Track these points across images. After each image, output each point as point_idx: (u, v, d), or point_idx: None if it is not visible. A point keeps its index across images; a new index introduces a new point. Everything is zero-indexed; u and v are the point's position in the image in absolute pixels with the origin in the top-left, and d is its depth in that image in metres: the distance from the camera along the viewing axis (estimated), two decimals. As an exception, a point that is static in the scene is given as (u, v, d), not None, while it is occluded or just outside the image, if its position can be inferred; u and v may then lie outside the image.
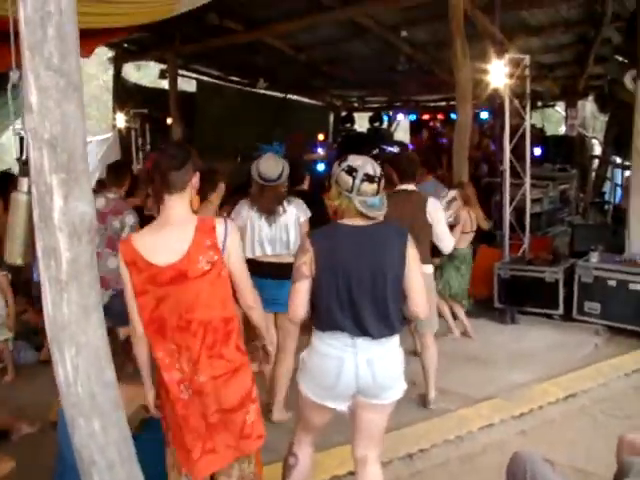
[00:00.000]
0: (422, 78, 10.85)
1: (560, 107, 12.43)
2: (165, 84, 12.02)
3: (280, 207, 4.05)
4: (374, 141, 12.42)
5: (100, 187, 5.84)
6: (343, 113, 14.07)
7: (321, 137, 13.02)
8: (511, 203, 7.31)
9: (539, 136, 9.61)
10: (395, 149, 11.55)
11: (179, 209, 2.32)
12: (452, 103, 10.30)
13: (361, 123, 13.88)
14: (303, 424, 2.83)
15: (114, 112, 11.75)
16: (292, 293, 2.59)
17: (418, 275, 2.62)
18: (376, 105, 14.09)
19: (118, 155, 12.18)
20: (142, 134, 11.51)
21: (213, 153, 10.72)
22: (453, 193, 4.76)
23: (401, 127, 14.08)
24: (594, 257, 6.33)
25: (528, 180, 7.30)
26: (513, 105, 7.13)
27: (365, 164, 2.55)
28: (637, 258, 6.17)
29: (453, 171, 7.67)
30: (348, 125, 13.57)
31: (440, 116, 11.92)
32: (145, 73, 14.67)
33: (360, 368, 2.55)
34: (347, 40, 9.92)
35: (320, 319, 2.60)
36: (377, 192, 2.55)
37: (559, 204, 8.47)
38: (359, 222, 2.58)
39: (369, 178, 2.52)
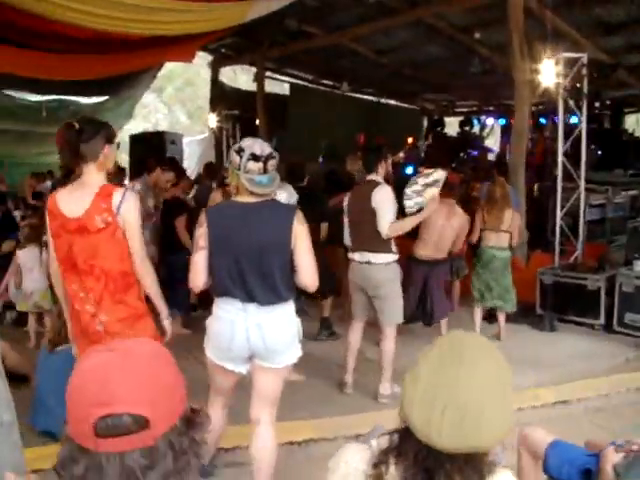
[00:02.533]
0: (506, 81, 10.58)
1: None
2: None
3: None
4: (462, 145, 12.31)
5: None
6: (436, 117, 14.02)
7: (410, 140, 13.04)
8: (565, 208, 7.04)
9: (617, 140, 9.08)
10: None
11: (90, 175, 2.78)
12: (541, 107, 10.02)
13: (454, 127, 13.73)
14: (212, 386, 3.08)
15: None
16: (191, 264, 2.86)
17: (306, 250, 2.79)
18: (467, 109, 13.90)
19: (212, 154, 13.04)
20: (233, 134, 12.18)
21: (305, 153, 11.22)
22: (438, 175, 4.52)
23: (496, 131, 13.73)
24: (638, 265, 5.98)
25: (582, 184, 6.99)
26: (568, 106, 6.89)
27: (253, 144, 2.77)
28: (684, 269, 5.76)
29: (509, 175, 7.53)
30: (439, 129, 13.48)
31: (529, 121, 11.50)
32: (248, 77, 15.41)
33: (250, 331, 2.78)
34: (423, 43, 9.98)
35: (215, 286, 2.86)
36: (264, 171, 2.75)
37: (630, 211, 7.95)
38: (249, 199, 2.80)
39: (255, 157, 2.73)
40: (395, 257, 4.42)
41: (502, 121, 12.41)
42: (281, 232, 2.75)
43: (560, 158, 6.92)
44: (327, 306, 6.01)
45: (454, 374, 1.32)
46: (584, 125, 6.93)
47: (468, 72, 10.08)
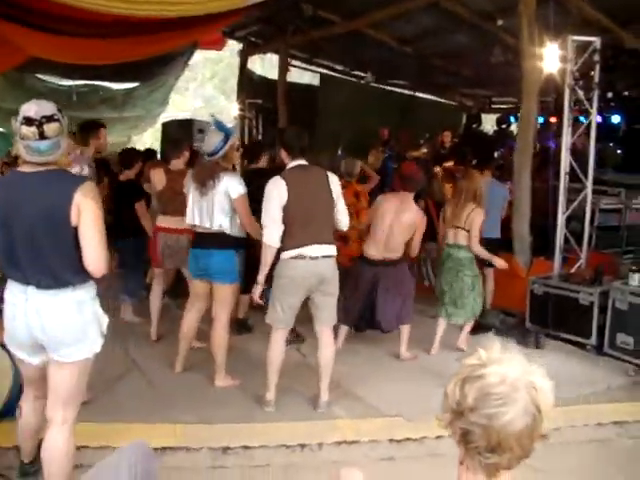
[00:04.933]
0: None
1: None
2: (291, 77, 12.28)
3: (211, 181, 4.14)
4: (496, 143, 11.50)
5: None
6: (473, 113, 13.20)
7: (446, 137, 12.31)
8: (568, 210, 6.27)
9: None
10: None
11: None
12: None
13: (493, 124, 12.87)
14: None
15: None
16: None
17: (89, 228, 2.39)
18: (505, 106, 13.00)
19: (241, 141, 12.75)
20: (256, 124, 11.89)
21: (334, 145, 10.78)
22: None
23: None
24: (634, 279, 5.18)
25: (589, 185, 6.20)
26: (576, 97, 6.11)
27: (30, 107, 2.40)
28: (689, 286, 4.92)
29: (514, 170, 6.85)
30: (474, 125, 12.68)
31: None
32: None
33: (29, 316, 2.45)
34: (447, 31, 9.27)
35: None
36: (41, 136, 2.35)
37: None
38: (29, 169, 2.43)
39: (28, 121, 2.36)
40: None
41: (540, 119, 11.46)
42: (57, 205, 2.36)
43: (564, 154, 6.16)
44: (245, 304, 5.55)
45: None
46: (594, 119, 6.14)
47: (500, 63, 9.32)
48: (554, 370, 4.61)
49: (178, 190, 4.76)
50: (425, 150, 10.65)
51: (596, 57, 5.98)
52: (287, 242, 3.80)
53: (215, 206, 4.13)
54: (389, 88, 12.95)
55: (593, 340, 5.44)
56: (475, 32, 9.02)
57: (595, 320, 5.42)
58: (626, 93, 6.35)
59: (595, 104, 6.09)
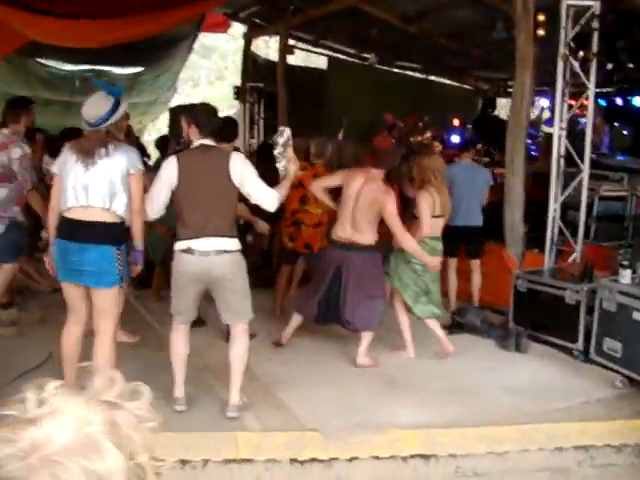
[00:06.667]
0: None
1: None
2: (294, 60, 11.81)
3: (102, 149, 3.36)
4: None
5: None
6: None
7: (456, 122, 11.61)
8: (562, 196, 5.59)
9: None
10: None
11: None
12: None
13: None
14: None
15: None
16: None
17: None
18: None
19: (242, 126, 12.30)
20: (258, 108, 11.44)
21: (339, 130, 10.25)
22: (287, 133, 3.55)
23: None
24: (625, 276, 4.48)
25: (586, 169, 5.49)
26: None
27: None
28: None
29: (506, 153, 6.20)
30: (489, 110, 11.90)
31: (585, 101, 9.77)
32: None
33: None
34: (450, 7, 8.59)
35: None
36: None
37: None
38: None
39: None
40: None
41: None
42: None
43: (557, 134, 5.48)
44: None
45: None
46: (591, 94, 5.43)
47: (509, 42, 8.58)
48: (529, 379, 3.92)
49: None
50: (429, 134, 9.96)
51: (595, 24, 5.27)
52: (179, 231, 3.43)
53: (111, 183, 3.34)
54: (400, 71, 12.29)
55: (580, 345, 4.77)
56: (479, 7, 8.31)
57: (582, 322, 4.75)
58: (631, 65, 5.57)
59: (593, 77, 5.39)
